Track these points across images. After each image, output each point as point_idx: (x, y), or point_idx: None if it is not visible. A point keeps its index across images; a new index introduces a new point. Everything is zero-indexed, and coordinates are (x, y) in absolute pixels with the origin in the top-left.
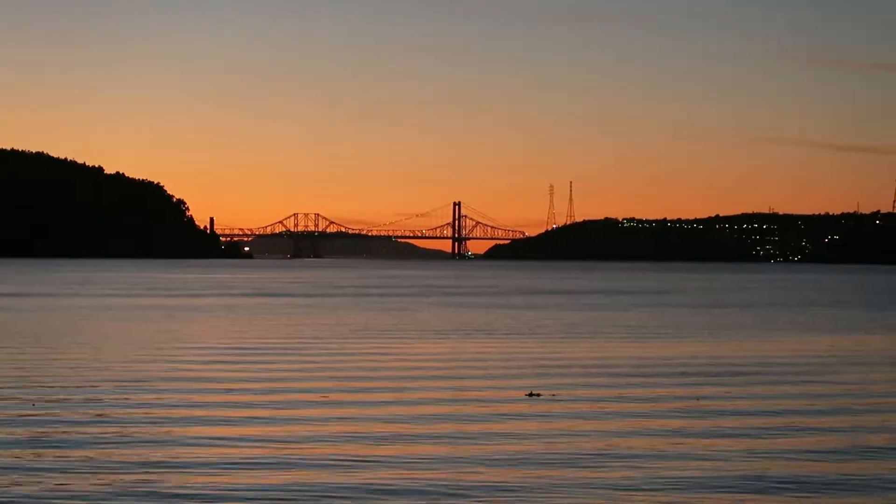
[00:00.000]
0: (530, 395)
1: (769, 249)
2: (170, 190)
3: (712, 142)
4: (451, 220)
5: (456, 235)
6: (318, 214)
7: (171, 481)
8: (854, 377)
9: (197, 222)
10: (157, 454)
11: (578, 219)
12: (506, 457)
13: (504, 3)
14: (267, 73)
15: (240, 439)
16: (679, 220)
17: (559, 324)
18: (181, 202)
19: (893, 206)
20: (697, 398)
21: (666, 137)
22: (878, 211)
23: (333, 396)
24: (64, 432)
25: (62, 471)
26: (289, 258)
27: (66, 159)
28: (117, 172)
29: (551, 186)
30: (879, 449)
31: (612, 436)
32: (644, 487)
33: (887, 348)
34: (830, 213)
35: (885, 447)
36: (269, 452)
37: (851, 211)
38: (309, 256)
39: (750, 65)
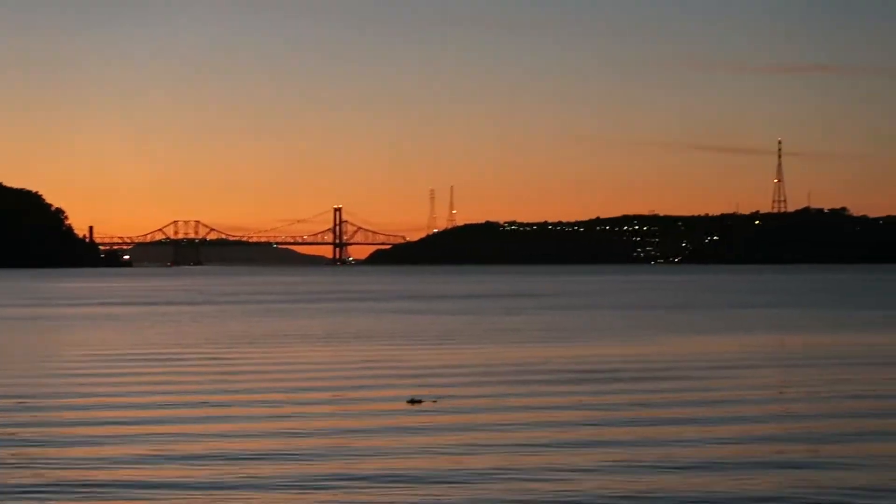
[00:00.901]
0: (411, 401)
1: (650, 251)
2: (48, 199)
3: (592, 144)
4: (331, 225)
5: (337, 241)
6: (198, 221)
7: None
8: (738, 381)
9: (76, 231)
10: (32, 478)
11: (459, 223)
12: (387, 468)
13: (384, 6)
14: (144, 80)
15: (114, 458)
16: (560, 223)
17: (440, 328)
18: (60, 211)
19: (772, 207)
20: (581, 403)
21: (546, 140)
22: (758, 211)
23: (213, 410)
24: None
25: None
26: (169, 266)
27: None
28: None
29: (432, 191)
30: (764, 461)
31: (492, 443)
32: (531, 500)
33: (766, 348)
34: (710, 214)
35: (770, 459)
36: (142, 472)
37: (731, 212)
38: (190, 264)
39: (628, 68)
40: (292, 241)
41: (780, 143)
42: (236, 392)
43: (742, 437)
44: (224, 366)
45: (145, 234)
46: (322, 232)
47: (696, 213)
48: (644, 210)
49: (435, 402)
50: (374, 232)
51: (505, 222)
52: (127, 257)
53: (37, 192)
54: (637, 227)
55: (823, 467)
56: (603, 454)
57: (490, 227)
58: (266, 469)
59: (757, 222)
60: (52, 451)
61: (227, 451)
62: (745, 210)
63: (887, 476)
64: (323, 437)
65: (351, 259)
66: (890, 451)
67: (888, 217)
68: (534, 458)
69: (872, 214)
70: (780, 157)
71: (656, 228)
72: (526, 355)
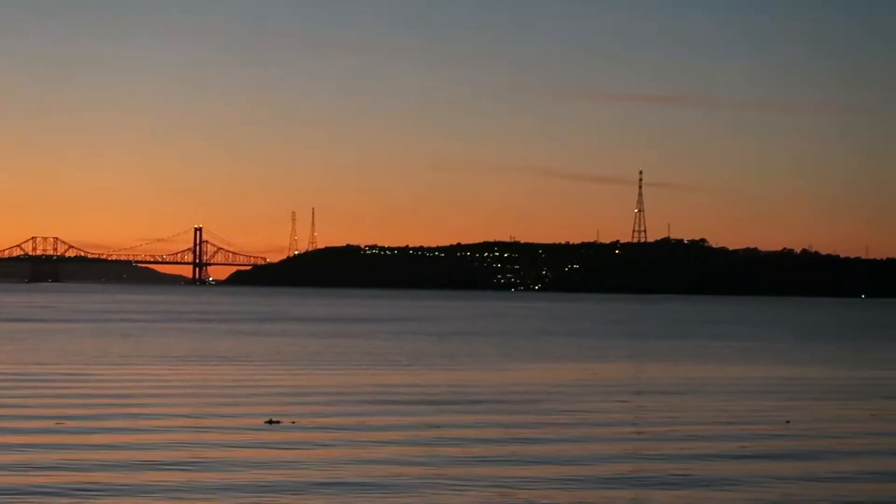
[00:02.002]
0: (270, 422)
1: (510, 277)
2: None
3: (454, 170)
4: (192, 245)
5: (197, 261)
6: (56, 238)
7: None
8: (591, 406)
9: None
10: None
11: (321, 245)
12: (242, 486)
13: (248, 27)
14: (3, 94)
15: None
16: (421, 248)
17: (300, 350)
18: None
19: (633, 237)
20: (438, 426)
21: (408, 165)
22: (618, 240)
23: (66, 437)
24: None
25: None
26: (26, 282)
27: None
28: None
29: (293, 212)
30: (620, 478)
31: (350, 464)
32: None
33: (624, 376)
34: (570, 243)
35: (624, 476)
36: None
37: (591, 240)
38: (48, 281)
39: (489, 95)
40: (152, 259)
41: (641, 173)
42: (91, 418)
43: (597, 477)
44: (79, 387)
45: (2, 250)
46: (182, 251)
47: (556, 241)
48: (505, 237)
49: (293, 423)
50: (234, 252)
51: (366, 246)
52: None
53: None
54: (497, 254)
55: None
56: (454, 492)
57: (351, 250)
58: (113, 478)
59: (617, 251)
60: None
61: (79, 483)
62: (606, 239)
63: None
64: (178, 470)
65: (211, 279)
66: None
67: (748, 249)
68: (388, 473)
69: (732, 246)
70: (640, 187)
71: (517, 255)
72: (385, 380)
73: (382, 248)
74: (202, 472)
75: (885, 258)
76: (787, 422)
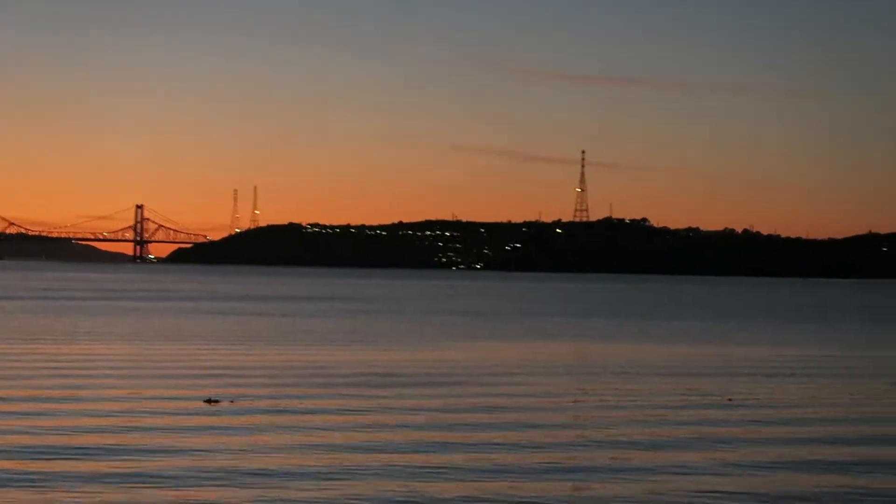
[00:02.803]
0: (208, 401)
1: (452, 256)
2: None
3: (396, 148)
4: (133, 222)
5: (138, 238)
6: None
7: None
8: (532, 389)
9: None
10: None
11: (263, 223)
12: (179, 469)
13: (193, 6)
14: None
15: None
16: (363, 226)
17: (240, 329)
18: None
19: (574, 216)
20: (376, 409)
21: (351, 143)
22: (560, 220)
23: (2, 407)
24: None
25: None
26: None
27: None
28: None
29: (235, 190)
30: (559, 466)
31: (288, 445)
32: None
33: (566, 357)
34: (512, 222)
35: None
36: None
37: (533, 220)
38: None
39: (432, 73)
40: (92, 237)
41: (583, 152)
42: (25, 399)
43: (535, 465)
44: (15, 365)
45: None
46: (123, 229)
47: (498, 220)
48: (447, 215)
49: (232, 402)
50: (175, 230)
51: (308, 224)
52: None
53: None
54: (439, 233)
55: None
56: (389, 477)
57: (293, 228)
58: (53, 465)
59: (559, 231)
60: None
61: (8, 470)
62: (548, 218)
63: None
64: (113, 454)
65: (152, 257)
66: (692, 458)
67: (689, 229)
68: (327, 457)
69: (673, 226)
70: (583, 166)
71: (459, 234)
72: (326, 358)
73: (324, 227)
74: (138, 458)
75: (826, 238)
76: (730, 399)
